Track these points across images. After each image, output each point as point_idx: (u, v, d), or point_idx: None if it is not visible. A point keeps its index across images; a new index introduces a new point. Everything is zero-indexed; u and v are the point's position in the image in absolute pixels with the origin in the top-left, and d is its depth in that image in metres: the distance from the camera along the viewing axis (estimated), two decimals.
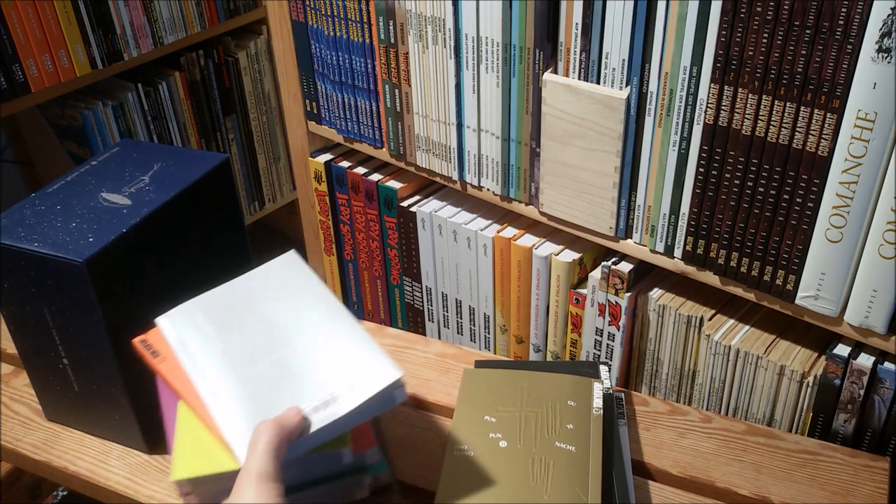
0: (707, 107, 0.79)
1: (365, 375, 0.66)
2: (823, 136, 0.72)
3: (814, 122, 0.72)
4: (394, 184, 1.15)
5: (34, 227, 0.77)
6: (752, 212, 0.80)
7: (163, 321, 0.74)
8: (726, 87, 0.76)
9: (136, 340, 0.75)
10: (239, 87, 1.76)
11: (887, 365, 0.80)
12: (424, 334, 1.23)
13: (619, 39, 0.82)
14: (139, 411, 0.81)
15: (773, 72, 0.72)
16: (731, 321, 0.92)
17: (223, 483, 0.64)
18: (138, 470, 0.82)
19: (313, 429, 0.63)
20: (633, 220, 0.92)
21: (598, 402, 0.80)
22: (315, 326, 0.71)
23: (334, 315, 0.72)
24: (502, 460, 0.74)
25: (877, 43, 0.66)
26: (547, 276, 1.01)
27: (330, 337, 0.70)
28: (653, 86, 0.82)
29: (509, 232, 1.04)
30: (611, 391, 0.83)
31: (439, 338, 1.21)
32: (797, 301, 0.81)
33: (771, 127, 0.75)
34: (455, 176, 1.06)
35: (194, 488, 0.65)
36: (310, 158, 1.25)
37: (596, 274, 0.97)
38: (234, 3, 1.68)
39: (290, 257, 0.79)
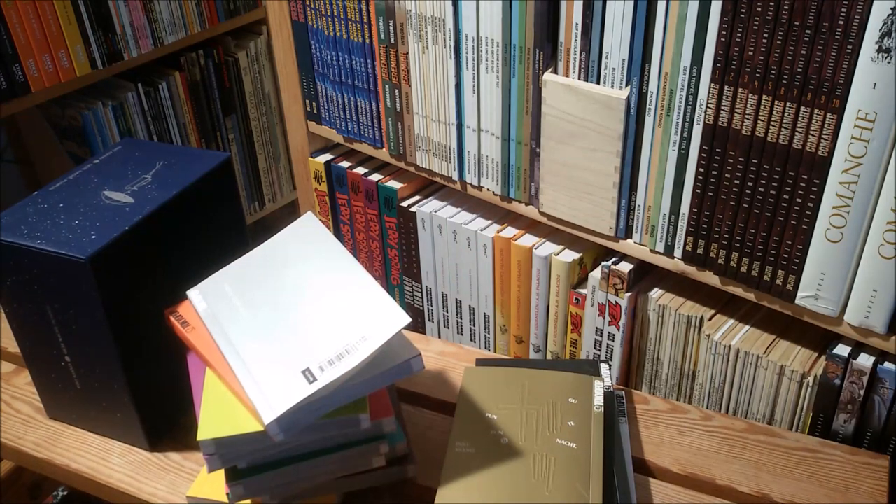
0: (707, 107, 0.79)
1: (376, 326, 0.69)
2: (823, 137, 0.73)
3: (814, 122, 0.73)
4: (394, 184, 1.15)
5: (37, 224, 0.77)
6: (752, 212, 0.80)
7: (193, 293, 0.79)
8: (726, 87, 0.77)
9: (168, 311, 0.80)
10: (239, 87, 1.76)
11: (887, 365, 0.80)
12: (424, 334, 1.23)
13: (619, 39, 0.82)
14: (141, 409, 0.81)
15: (773, 72, 0.73)
16: (731, 321, 0.92)
17: (245, 444, 0.69)
18: (140, 468, 0.83)
19: (329, 380, 0.66)
20: (633, 220, 0.92)
21: (598, 400, 0.80)
22: (331, 284, 0.76)
23: (348, 271, 0.76)
24: (504, 457, 0.74)
25: (877, 43, 0.66)
26: (547, 276, 1.02)
27: (344, 293, 0.74)
28: (653, 86, 0.83)
29: (509, 232, 1.04)
30: (611, 389, 0.83)
31: (439, 338, 1.21)
32: (797, 301, 0.81)
33: (771, 127, 0.75)
34: (455, 176, 1.06)
35: (217, 449, 0.68)
36: (310, 158, 1.25)
37: (596, 274, 0.98)
38: (234, 3, 1.68)
39: (307, 219, 0.83)
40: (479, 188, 1.05)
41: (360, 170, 1.19)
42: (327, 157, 1.24)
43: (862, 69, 0.68)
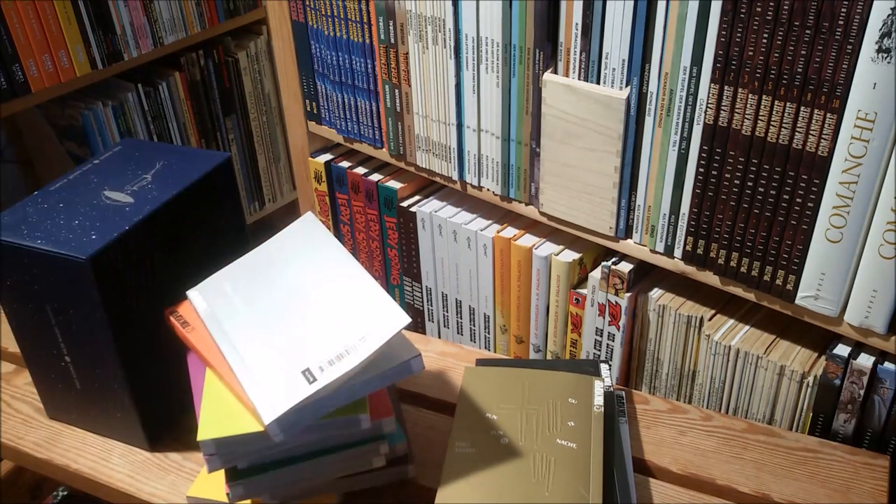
0: (707, 107, 0.79)
1: (376, 326, 0.70)
2: (823, 137, 0.73)
3: (814, 122, 0.73)
4: (394, 184, 1.15)
5: (37, 224, 0.77)
6: (752, 212, 0.80)
7: (193, 293, 0.79)
8: (726, 87, 0.77)
9: (168, 311, 0.80)
10: (239, 87, 1.76)
11: (887, 365, 0.80)
12: (424, 334, 1.23)
13: (619, 39, 0.82)
14: (141, 409, 0.81)
15: (773, 72, 0.73)
16: (731, 321, 0.92)
17: (245, 445, 0.69)
18: (140, 468, 0.82)
19: (328, 381, 0.66)
20: (633, 220, 0.92)
21: (598, 400, 0.80)
22: (331, 284, 0.76)
23: (348, 271, 0.76)
24: (504, 457, 0.74)
25: (877, 43, 0.66)
26: (547, 276, 1.02)
27: (344, 293, 0.74)
28: (653, 86, 0.83)
29: (509, 232, 1.04)
30: (611, 389, 0.83)
31: (439, 338, 1.21)
32: (797, 301, 0.81)
33: (771, 127, 0.75)
34: (455, 176, 1.06)
35: (217, 449, 0.68)
36: (310, 158, 1.25)
37: (596, 274, 0.98)
38: (234, 3, 1.68)
39: (307, 219, 0.83)
40: (479, 188, 1.05)
41: (360, 170, 1.19)
42: (327, 157, 1.24)
43: (862, 69, 0.68)
